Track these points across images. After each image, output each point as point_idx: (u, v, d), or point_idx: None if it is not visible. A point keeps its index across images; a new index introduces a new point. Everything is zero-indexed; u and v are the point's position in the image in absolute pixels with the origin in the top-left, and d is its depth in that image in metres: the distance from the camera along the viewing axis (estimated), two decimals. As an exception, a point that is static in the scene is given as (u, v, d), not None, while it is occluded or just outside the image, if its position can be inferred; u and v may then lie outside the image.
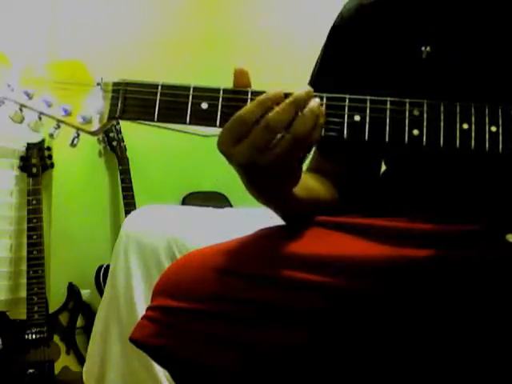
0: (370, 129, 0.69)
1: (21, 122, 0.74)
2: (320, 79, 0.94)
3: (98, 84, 0.73)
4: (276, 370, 0.72)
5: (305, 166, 0.95)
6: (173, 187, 2.74)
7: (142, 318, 0.77)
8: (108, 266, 2.05)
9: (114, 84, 0.73)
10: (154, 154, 2.67)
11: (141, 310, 1.56)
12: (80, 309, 2.31)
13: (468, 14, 0.82)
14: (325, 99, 0.70)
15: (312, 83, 0.94)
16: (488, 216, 0.75)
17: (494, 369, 0.73)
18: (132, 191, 2.45)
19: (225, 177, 2.30)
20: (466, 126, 0.68)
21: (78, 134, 0.75)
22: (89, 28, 2.47)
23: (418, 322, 0.73)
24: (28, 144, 2.27)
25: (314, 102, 0.68)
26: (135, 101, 0.72)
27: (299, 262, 0.73)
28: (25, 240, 2.22)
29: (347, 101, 0.70)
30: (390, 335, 0.74)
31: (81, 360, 2.17)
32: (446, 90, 0.77)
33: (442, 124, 0.68)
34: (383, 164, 0.98)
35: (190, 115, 0.71)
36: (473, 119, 0.68)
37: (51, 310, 2.23)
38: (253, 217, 1.69)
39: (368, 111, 0.69)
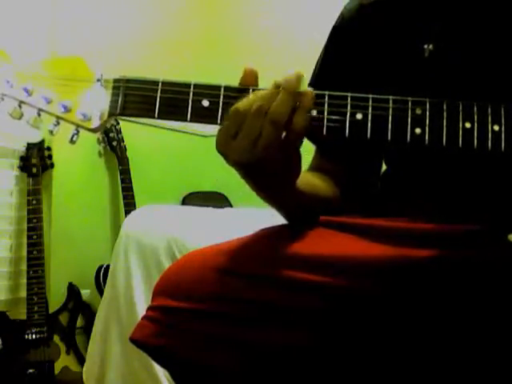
0: (372, 127, 0.69)
1: (20, 118, 0.74)
2: (321, 79, 0.93)
3: (98, 80, 0.72)
4: (276, 370, 0.72)
5: (305, 166, 0.95)
6: (173, 187, 2.74)
7: (142, 318, 0.77)
8: (108, 266, 2.05)
9: (115, 80, 0.72)
10: (154, 154, 2.67)
11: (141, 310, 1.56)
12: (80, 309, 2.31)
13: (470, 12, 0.82)
14: (327, 97, 0.69)
15: (313, 83, 0.94)
16: (489, 216, 0.75)
17: (495, 368, 0.73)
18: (132, 191, 2.44)
19: (225, 177, 2.30)
20: (468, 125, 0.68)
21: (78, 131, 0.74)
22: (89, 27, 2.47)
23: (419, 322, 0.73)
24: (28, 144, 2.27)
25: (287, 82, 0.67)
26: (136, 97, 0.72)
27: (299, 262, 0.73)
28: (25, 240, 2.22)
29: (349, 99, 0.69)
30: (390, 335, 0.74)
31: (81, 360, 2.17)
32: (448, 88, 0.77)
33: (444, 123, 0.68)
34: (383, 163, 0.98)
35: (191, 112, 0.70)
36: (475, 118, 0.68)
37: (51, 310, 2.23)
38: (253, 217, 1.69)
39: (370, 110, 0.69)
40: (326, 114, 0.69)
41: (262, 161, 0.68)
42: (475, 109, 0.68)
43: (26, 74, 0.73)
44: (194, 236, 1.56)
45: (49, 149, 2.31)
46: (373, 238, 0.76)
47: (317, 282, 0.71)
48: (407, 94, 0.69)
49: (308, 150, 0.94)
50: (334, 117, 0.69)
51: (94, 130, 0.74)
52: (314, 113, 0.69)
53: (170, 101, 0.71)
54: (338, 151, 0.92)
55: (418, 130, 0.68)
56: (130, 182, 2.45)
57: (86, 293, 2.39)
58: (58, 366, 2.16)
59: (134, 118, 0.73)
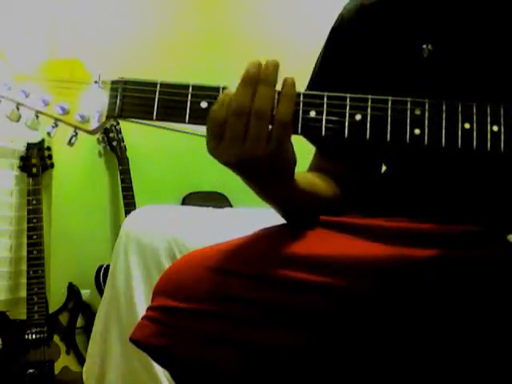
0: (371, 128, 0.69)
1: (17, 120, 0.73)
2: (320, 80, 0.93)
3: (96, 82, 0.72)
4: (276, 370, 0.72)
5: (305, 167, 0.95)
6: (173, 187, 2.74)
7: (142, 318, 0.77)
8: (108, 266, 2.05)
9: (113, 82, 0.72)
10: (154, 154, 2.67)
11: (141, 310, 1.56)
12: (80, 309, 2.31)
13: (469, 13, 0.82)
14: (325, 98, 0.69)
15: (312, 84, 0.94)
16: (489, 216, 0.75)
17: (495, 368, 0.73)
18: (132, 191, 2.44)
19: (225, 177, 2.30)
20: (467, 126, 0.67)
21: (76, 133, 0.74)
22: (88, 28, 2.47)
23: (419, 322, 0.73)
24: (28, 144, 2.27)
25: (265, 75, 0.67)
26: (134, 99, 0.71)
27: (299, 262, 0.73)
28: (25, 240, 2.22)
29: (348, 100, 0.69)
30: (390, 335, 0.74)
31: (81, 360, 2.17)
32: (447, 88, 0.77)
33: (443, 123, 0.68)
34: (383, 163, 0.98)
35: (190, 114, 0.70)
36: (474, 118, 0.68)
37: (51, 310, 2.23)
38: (253, 217, 1.69)
39: (369, 110, 0.69)
40: (324, 114, 0.69)
41: (254, 158, 0.68)
42: (474, 109, 0.68)
43: (23, 76, 0.73)
44: (194, 236, 1.56)
45: (49, 149, 2.31)
46: (372, 238, 0.76)
47: (317, 282, 0.72)
48: (406, 95, 0.69)
49: (308, 150, 0.94)
50: (332, 118, 0.69)
51: (92, 132, 0.73)
52: (313, 114, 0.69)
53: (169, 102, 0.71)
54: (338, 151, 0.92)
55: (417, 131, 0.68)
56: (130, 182, 2.45)
57: (86, 293, 2.39)
58: (58, 366, 2.16)
59: (133, 119, 0.73)
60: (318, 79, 0.94)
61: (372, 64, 0.88)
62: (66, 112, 0.73)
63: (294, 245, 0.76)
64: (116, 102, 0.72)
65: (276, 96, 0.68)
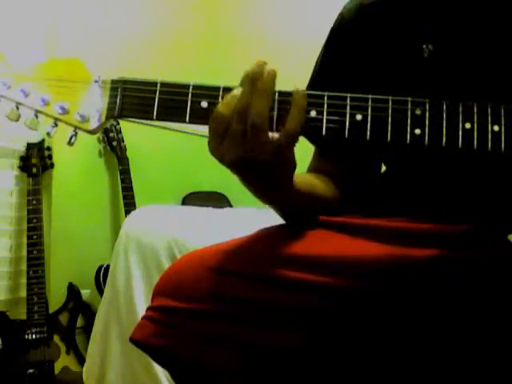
0: (371, 128, 0.69)
1: (17, 120, 0.73)
2: (320, 80, 0.93)
3: (96, 82, 0.72)
4: (276, 370, 0.72)
5: (305, 167, 0.95)
6: (173, 187, 2.74)
7: (142, 318, 0.77)
8: (108, 266, 2.05)
9: (113, 82, 0.72)
10: (154, 154, 2.67)
11: (141, 310, 1.56)
12: (80, 309, 2.31)
13: (469, 13, 0.82)
14: (326, 98, 0.69)
15: (312, 84, 0.94)
16: (489, 216, 0.75)
17: (495, 368, 0.73)
18: (132, 191, 2.44)
19: (225, 177, 2.30)
20: (468, 126, 0.67)
21: (76, 133, 0.74)
22: (88, 28, 2.47)
23: (418, 322, 0.73)
24: (28, 144, 2.27)
25: (263, 83, 0.67)
26: (134, 99, 0.71)
27: (299, 262, 0.73)
28: (25, 240, 2.21)
29: (348, 100, 0.69)
30: (390, 335, 0.74)
31: (81, 360, 2.17)
32: (447, 88, 0.76)
33: (444, 123, 0.68)
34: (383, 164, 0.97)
35: (190, 114, 0.70)
36: (475, 118, 0.67)
37: (51, 310, 2.22)
38: (253, 217, 1.69)
39: (370, 110, 0.69)
40: (325, 114, 0.69)
41: (254, 160, 0.68)
42: (475, 109, 0.68)
43: (23, 75, 0.72)
44: (194, 236, 1.56)
45: (49, 149, 2.31)
46: (372, 238, 0.76)
47: (316, 282, 0.72)
48: (407, 95, 0.69)
49: (308, 151, 0.94)
50: (333, 117, 0.69)
51: (92, 132, 0.73)
52: (314, 113, 0.69)
53: (169, 102, 0.70)
54: (338, 152, 0.92)
55: (417, 131, 0.68)
56: (130, 182, 2.45)
57: (85, 293, 2.39)
58: (58, 366, 2.16)
59: (133, 119, 0.73)
60: (318, 79, 0.94)
61: (372, 64, 0.87)
62: (65, 111, 0.73)
63: (293, 245, 0.76)
64: (116, 102, 0.71)
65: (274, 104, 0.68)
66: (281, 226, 0.83)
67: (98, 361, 1.71)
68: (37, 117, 0.73)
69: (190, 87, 0.70)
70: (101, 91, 0.72)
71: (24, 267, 2.21)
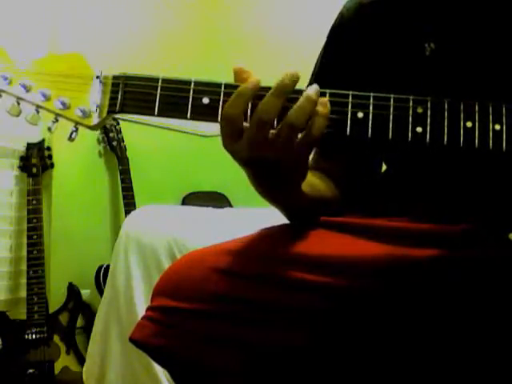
0: (373, 126, 0.68)
1: (18, 115, 0.73)
2: (321, 79, 0.93)
3: (98, 77, 0.72)
4: (276, 370, 0.72)
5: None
6: (173, 187, 2.74)
7: (141, 318, 0.77)
8: (108, 266, 2.05)
9: (114, 77, 0.72)
10: (154, 154, 2.67)
11: (141, 310, 1.56)
12: (80, 309, 2.31)
13: (471, 11, 0.81)
14: (328, 95, 0.69)
15: (312, 83, 0.94)
16: (489, 215, 0.75)
17: (495, 368, 0.73)
18: (132, 191, 2.44)
19: (225, 177, 2.30)
20: (469, 124, 0.67)
21: (77, 128, 0.74)
22: (89, 28, 2.47)
23: (419, 322, 0.73)
24: (28, 144, 2.27)
25: (310, 89, 0.68)
26: (135, 95, 0.71)
27: (299, 262, 0.73)
28: (25, 240, 2.22)
29: (350, 97, 0.69)
30: (390, 335, 0.74)
31: (81, 360, 2.17)
32: (449, 87, 0.76)
33: (445, 122, 0.68)
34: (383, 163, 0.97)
35: (191, 110, 0.70)
36: (476, 117, 0.67)
37: (51, 310, 2.23)
38: (253, 217, 1.69)
39: (371, 108, 0.69)
40: None
41: (271, 161, 0.68)
42: (476, 108, 0.68)
43: (24, 70, 0.72)
44: (194, 236, 1.56)
45: (49, 149, 2.31)
46: (372, 238, 0.76)
47: (317, 281, 0.71)
48: (408, 93, 0.69)
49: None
50: (334, 115, 0.69)
51: (92, 128, 0.73)
52: None
53: (170, 98, 0.70)
54: (338, 151, 0.92)
55: (419, 129, 0.68)
56: (130, 182, 2.45)
57: (86, 293, 2.39)
58: (58, 366, 2.16)
59: (134, 115, 0.72)
60: (318, 79, 0.94)
61: (373, 63, 0.87)
62: (66, 107, 0.72)
63: (293, 245, 0.76)
64: (117, 98, 0.71)
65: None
66: (281, 225, 0.83)
67: (98, 361, 1.71)
68: (38, 112, 0.73)
69: (192, 83, 0.70)
70: (102, 87, 0.72)
71: (24, 267, 2.21)
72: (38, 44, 2.26)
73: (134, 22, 2.65)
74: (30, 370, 2.10)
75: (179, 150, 2.70)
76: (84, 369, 1.82)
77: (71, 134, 0.74)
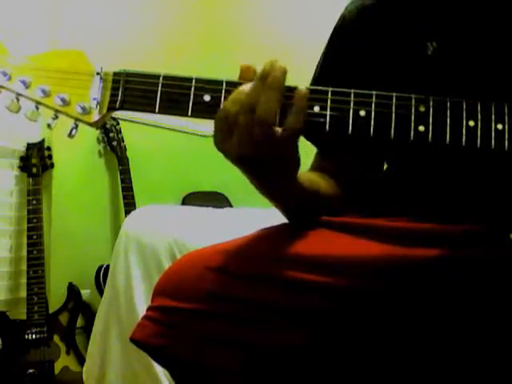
0: (375, 124, 0.68)
1: (17, 111, 0.72)
2: (323, 80, 0.93)
3: (98, 74, 0.71)
4: (276, 370, 0.72)
5: (305, 168, 0.95)
6: (173, 187, 2.73)
7: (142, 318, 0.77)
8: (108, 266, 2.05)
9: (115, 74, 0.71)
10: (154, 154, 2.67)
11: (141, 310, 1.56)
12: (80, 309, 2.31)
13: (473, 10, 0.81)
14: (330, 93, 0.69)
15: (314, 84, 0.94)
16: (491, 215, 0.74)
17: (495, 368, 0.73)
18: (132, 191, 2.44)
19: (225, 177, 2.30)
20: (472, 123, 0.67)
21: (77, 125, 0.73)
22: (89, 27, 2.47)
23: (419, 322, 0.73)
24: (28, 144, 2.27)
25: (273, 79, 0.67)
26: (136, 91, 0.71)
27: (299, 262, 0.73)
28: (25, 240, 2.21)
29: (352, 95, 0.69)
30: (390, 335, 0.74)
31: (81, 360, 2.17)
32: (451, 86, 0.76)
33: (448, 121, 0.67)
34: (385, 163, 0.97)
35: (192, 108, 0.70)
36: (479, 116, 0.67)
37: (51, 310, 2.22)
38: (253, 217, 1.69)
39: (373, 106, 0.68)
40: (328, 110, 0.68)
41: (260, 156, 0.68)
42: (479, 107, 0.67)
43: (23, 66, 0.72)
44: (194, 236, 1.56)
45: (49, 149, 2.31)
46: (373, 238, 0.75)
47: (317, 281, 0.71)
48: (410, 92, 0.69)
49: (308, 151, 0.94)
50: (337, 113, 0.69)
51: (93, 124, 0.73)
52: (317, 109, 0.69)
53: (171, 95, 0.70)
54: (339, 151, 0.92)
55: (421, 128, 0.68)
56: (130, 182, 2.45)
57: (85, 293, 2.39)
58: (58, 366, 2.16)
59: (134, 112, 0.72)
60: (320, 80, 0.94)
61: (375, 63, 0.87)
62: (66, 103, 0.72)
63: (293, 245, 0.76)
64: (118, 94, 0.71)
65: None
66: (281, 225, 0.83)
67: (98, 361, 1.71)
68: (37, 108, 0.73)
69: (193, 81, 0.70)
70: (103, 83, 0.71)
71: (24, 267, 2.21)
72: (38, 40, 2.25)
73: (134, 19, 2.64)
74: (30, 370, 2.10)
75: (179, 150, 2.70)
76: (84, 369, 1.82)
77: (71, 130, 0.73)
